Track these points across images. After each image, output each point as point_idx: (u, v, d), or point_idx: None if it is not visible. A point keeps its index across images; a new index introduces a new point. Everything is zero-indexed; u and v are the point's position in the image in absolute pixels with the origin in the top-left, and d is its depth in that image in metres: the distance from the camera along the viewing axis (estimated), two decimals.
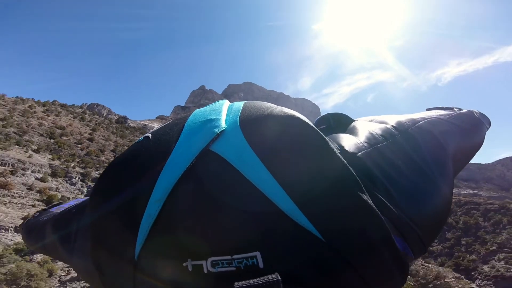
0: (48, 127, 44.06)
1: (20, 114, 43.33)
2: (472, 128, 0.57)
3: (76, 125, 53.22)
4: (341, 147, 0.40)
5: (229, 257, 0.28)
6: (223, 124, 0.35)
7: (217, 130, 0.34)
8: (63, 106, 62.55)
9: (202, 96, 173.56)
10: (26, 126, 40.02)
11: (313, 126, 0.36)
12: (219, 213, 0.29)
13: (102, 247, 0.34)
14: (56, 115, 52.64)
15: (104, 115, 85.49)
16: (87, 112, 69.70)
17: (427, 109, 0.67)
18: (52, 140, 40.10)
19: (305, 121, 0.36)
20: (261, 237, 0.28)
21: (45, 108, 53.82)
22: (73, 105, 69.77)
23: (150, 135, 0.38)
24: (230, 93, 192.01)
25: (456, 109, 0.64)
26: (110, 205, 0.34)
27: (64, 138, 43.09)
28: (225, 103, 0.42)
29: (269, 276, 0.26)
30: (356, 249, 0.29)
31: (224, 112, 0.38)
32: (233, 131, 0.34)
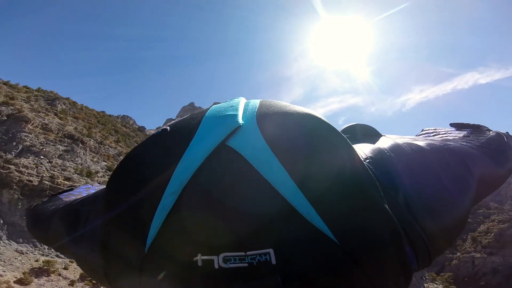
0: (123, 131, 64.59)
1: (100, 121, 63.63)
2: (503, 155, 0.56)
3: (127, 131, 73.52)
4: (366, 154, 0.40)
5: (243, 253, 0.28)
6: (240, 120, 0.35)
7: (234, 126, 0.34)
8: (109, 116, 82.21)
9: (192, 112, 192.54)
10: (120, 128, 60.65)
11: (332, 125, 0.35)
12: (233, 208, 0.29)
13: (113, 237, 0.34)
14: (114, 124, 72.71)
15: (130, 123, 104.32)
16: (123, 121, 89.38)
17: (451, 124, 0.67)
18: (131, 140, 60.92)
19: (324, 121, 0.35)
20: (275, 235, 0.29)
21: (105, 117, 73.69)
22: (112, 115, 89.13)
23: (168, 128, 0.38)
24: None
25: (484, 129, 0.62)
26: (126, 196, 0.34)
27: (134, 139, 63.86)
28: (242, 100, 0.42)
29: (269, 278, 0.27)
30: (369, 253, 0.29)
31: (241, 108, 0.38)
32: (250, 127, 0.34)
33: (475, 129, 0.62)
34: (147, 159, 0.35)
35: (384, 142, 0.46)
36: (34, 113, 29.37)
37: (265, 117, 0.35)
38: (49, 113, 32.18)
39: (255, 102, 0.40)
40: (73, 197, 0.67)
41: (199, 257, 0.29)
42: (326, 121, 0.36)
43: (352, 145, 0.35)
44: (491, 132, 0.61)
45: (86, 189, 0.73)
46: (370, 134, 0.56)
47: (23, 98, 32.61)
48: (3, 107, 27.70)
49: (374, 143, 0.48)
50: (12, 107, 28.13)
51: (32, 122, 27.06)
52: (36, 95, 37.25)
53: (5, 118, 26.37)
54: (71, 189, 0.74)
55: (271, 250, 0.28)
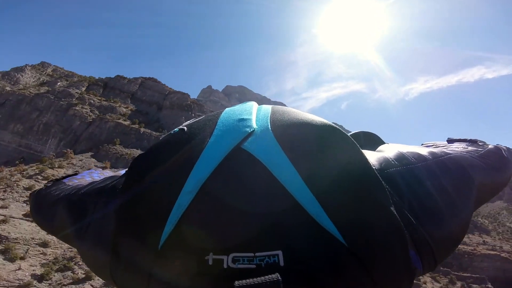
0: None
1: None
2: (500, 166, 0.59)
3: None
4: (372, 163, 0.40)
5: (252, 254, 0.29)
6: (254, 125, 0.37)
7: (248, 130, 0.36)
8: None
9: (210, 94, 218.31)
10: None
11: (346, 133, 0.37)
12: (246, 209, 0.30)
13: (127, 232, 0.34)
14: None
15: None
16: None
17: (448, 140, 0.69)
18: None
19: (336, 127, 0.37)
20: (285, 237, 0.29)
21: None
22: None
23: (185, 128, 0.39)
24: (228, 93, 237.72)
25: (480, 143, 0.64)
26: (143, 191, 0.35)
27: None
28: (254, 105, 0.44)
29: (270, 276, 0.26)
30: (374, 254, 0.30)
31: (254, 113, 0.40)
32: (264, 131, 0.36)
33: (473, 143, 0.64)
34: (165, 157, 0.36)
35: (388, 151, 0.47)
36: None
37: (278, 122, 0.37)
38: None
39: (267, 108, 0.42)
40: (76, 181, 0.66)
41: (211, 256, 0.29)
42: (338, 127, 0.37)
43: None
44: (490, 145, 0.63)
45: (89, 173, 0.73)
46: (373, 141, 0.59)
47: None
48: None
49: (377, 150, 0.50)
50: None
51: None
52: None
53: None
54: (75, 174, 0.73)
55: (279, 252, 0.28)
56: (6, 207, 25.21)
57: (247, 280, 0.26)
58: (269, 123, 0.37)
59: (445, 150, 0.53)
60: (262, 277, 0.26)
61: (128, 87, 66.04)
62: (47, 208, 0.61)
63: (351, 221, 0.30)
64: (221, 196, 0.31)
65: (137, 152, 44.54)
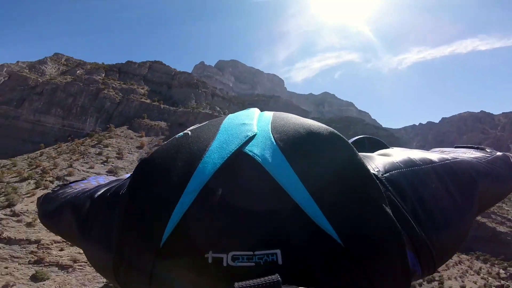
0: None
1: None
2: (507, 173, 0.59)
3: None
4: (377, 166, 0.42)
5: (251, 252, 0.30)
6: (255, 129, 0.39)
7: (250, 134, 0.38)
8: None
9: (203, 69, 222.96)
10: None
11: (344, 137, 0.39)
12: (246, 209, 0.32)
13: (130, 231, 0.36)
14: None
15: None
16: None
17: (456, 146, 0.69)
18: None
19: (336, 133, 0.39)
20: (284, 236, 0.30)
21: None
22: None
23: (189, 132, 0.41)
24: (221, 68, 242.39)
25: (488, 150, 0.64)
26: (147, 192, 0.36)
27: None
28: (256, 111, 0.47)
29: (269, 277, 0.27)
30: (370, 254, 0.31)
31: (255, 118, 0.43)
32: (264, 136, 0.38)
33: (481, 149, 0.64)
34: (170, 159, 0.37)
35: (394, 154, 0.48)
36: None
37: (278, 127, 0.39)
38: None
39: (269, 114, 0.45)
40: (83, 185, 0.67)
41: (210, 254, 0.30)
42: (335, 131, 0.39)
43: (359, 153, 0.37)
44: (498, 152, 0.63)
45: (95, 178, 0.75)
46: (377, 145, 0.62)
47: None
48: None
49: (381, 154, 0.51)
50: None
51: None
52: None
53: None
54: (83, 179, 0.75)
55: (278, 251, 0.29)
56: (92, 167, 36.04)
57: (247, 282, 0.27)
58: (270, 127, 0.39)
59: (452, 155, 0.53)
60: (262, 278, 0.27)
61: (139, 71, 74.69)
62: (53, 211, 0.63)
63: (345, 220, 0.31)
64: (222, 196, 0.32)
65: (162, 124, 54.81)
